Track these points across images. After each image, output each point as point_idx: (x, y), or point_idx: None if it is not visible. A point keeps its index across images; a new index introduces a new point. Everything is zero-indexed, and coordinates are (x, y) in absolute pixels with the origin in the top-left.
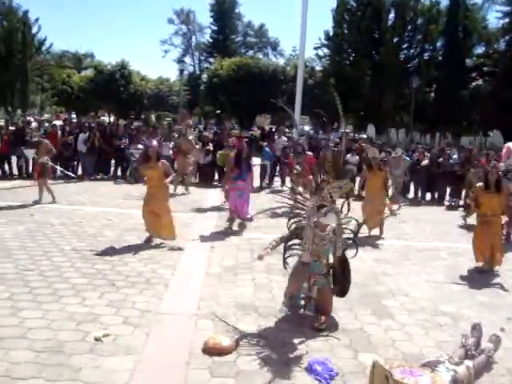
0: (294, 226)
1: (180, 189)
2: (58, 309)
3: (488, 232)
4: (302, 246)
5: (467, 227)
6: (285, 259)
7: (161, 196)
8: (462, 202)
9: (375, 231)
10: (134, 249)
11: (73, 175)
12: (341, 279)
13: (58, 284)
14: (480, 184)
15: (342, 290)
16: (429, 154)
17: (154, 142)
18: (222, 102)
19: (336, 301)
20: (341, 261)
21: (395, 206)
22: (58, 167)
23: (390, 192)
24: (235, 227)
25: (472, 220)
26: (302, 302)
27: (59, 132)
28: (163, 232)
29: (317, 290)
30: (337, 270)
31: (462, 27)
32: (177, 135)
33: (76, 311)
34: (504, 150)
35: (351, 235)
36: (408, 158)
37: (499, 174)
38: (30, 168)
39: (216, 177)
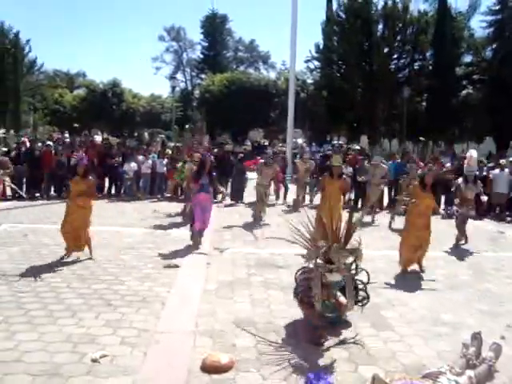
0: (302, 276)
1: (174, 206)
2: (54, 330)
3: (419, 234)
4: (313, 296)
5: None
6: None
7: (82, 214)
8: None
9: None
10: (129, 267)
11: (23, 194)
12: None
13: (54, 305)
14: (415, 183)
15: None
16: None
17: (85, 160)
18: (215, 118)
19: None
20: None
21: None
22: (11, 184)
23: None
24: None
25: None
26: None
27: (53, 151)
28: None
29: None
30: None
31: (450, 37)
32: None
33: (72, 332)
34: (467, 158)
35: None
36: (385, 166)
37: (436, 178)
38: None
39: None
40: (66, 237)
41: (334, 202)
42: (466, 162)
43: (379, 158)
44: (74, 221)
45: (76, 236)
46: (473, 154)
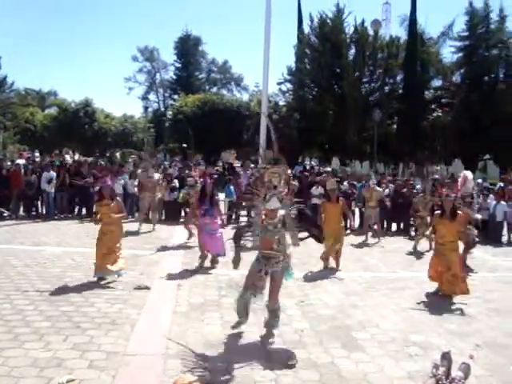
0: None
1: (145, 226)
2: (19, 355)
3: (445, 258)
4: (253, 232)
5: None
6: (236, 247)
7: (115, 234)
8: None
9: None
10: (100, 289)
11: (6, 213)
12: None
13: (20, 328)
14: (437, 212)
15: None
16: (393, 185)
17: (109, 181)
18: (187, 139)
19: (305, 335)
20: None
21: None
22: None
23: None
24: (207, 264)
25: (421, 247)
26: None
27: (22, 171)
28: (110, 265)
29: (271, 277)
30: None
31: (419, 61)
32: (140, 171)
33: (39, 356)
34: (460, 179)
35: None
36: (380, 189)
37: (454, 202)
38: None
39: (182, 213)
40: (99, 256)
41: (337, 223)
42: (460, 183)
43: (375, 182)
44: (108, 241)
45: (106, 258)
46: (468, 175)
